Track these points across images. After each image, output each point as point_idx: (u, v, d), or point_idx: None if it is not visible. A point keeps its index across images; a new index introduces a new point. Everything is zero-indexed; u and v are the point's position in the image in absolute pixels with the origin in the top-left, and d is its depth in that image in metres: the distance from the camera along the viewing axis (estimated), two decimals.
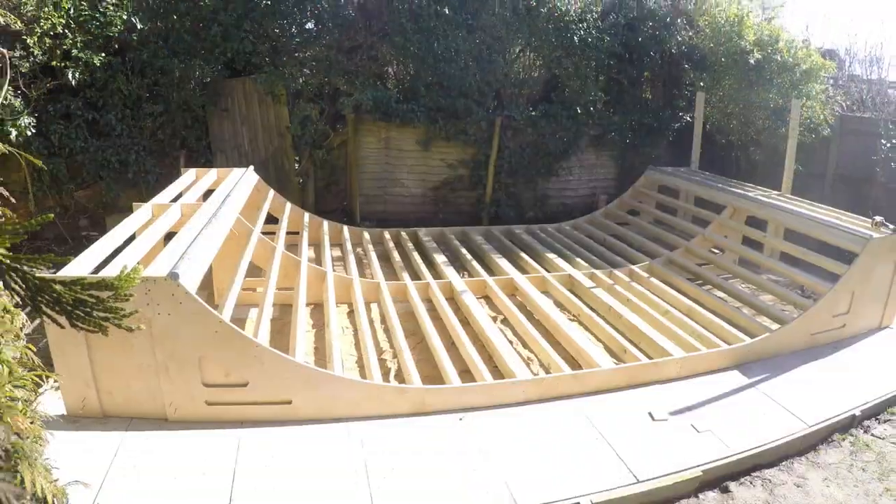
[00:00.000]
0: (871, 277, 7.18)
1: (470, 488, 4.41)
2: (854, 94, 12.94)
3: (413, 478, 4.49)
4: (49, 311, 2.02)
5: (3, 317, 2.40)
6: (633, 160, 12.66)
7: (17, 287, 1.92)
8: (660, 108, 12.74)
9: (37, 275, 1.95)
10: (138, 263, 4.78)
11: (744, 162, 12.62)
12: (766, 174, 11.53)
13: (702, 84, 12.14)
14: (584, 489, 4.42)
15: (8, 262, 1.83)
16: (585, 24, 11.60)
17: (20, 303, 2.11)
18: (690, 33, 12.40)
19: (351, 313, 7.52)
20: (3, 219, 2.43)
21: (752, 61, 11.08)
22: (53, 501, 2.26)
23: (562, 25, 11.45)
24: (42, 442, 2.40)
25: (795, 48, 11.14)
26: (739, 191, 9.59)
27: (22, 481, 2.08)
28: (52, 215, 2.25)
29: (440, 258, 9.27)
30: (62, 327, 2.07)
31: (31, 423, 2.30)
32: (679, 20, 12.38)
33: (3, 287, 1.94)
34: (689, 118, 12.58)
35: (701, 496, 4.72)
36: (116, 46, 9.70)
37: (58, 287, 1.99)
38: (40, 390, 2.68)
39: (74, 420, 4.85)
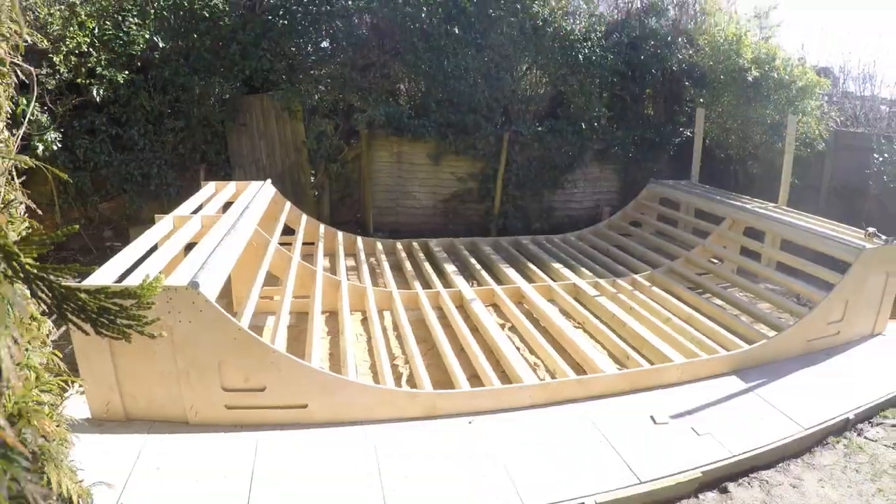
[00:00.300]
0: (864, 286, 7.16)
1: (479, 488, 4.41)
2: (848, 110, 12.93)
3: (424, 480, 4.49)
4: (74, 319, 1.99)
5: (30, 324, 2.41)
6: (636, 174, 12.65)
7: (43, 295, 1.89)
8: (661, 124, 12.72)
9: (63, 284, 1.91)
10: (160, 273, 4.79)
11: (742, 175, 12.60)
12: (764, 187, 11.48)
13: (701, 101, 12.16)
14: (589, 490, 4.42)
15: (35, 271, 1.79)
16: (590, 43, 11.64)
17: (47, 310, 2.07)
18: (691, 52, 12.39)
19: (364, 321, 7.53)
20: (31, 230, 2.46)
21: (749, 79, 11.08)
22: (78, 502, 2.26)
23: (567, 44, 11.51)
24: (68, 444, 2.40)
25: (792, 66, 11.12)
26: (738, 203, 9.58)
27: (48, 482, 2.10)
28: (78, 227, 2.26)
29: (450, 268, 9.27)
30: (87, 334, 2.07)
31: (58, 426, 2.31)
32: (680, 39, 12.40)
33: (30, 295, 1.91)
34: (689, 133, 12.54)
35: (701, 496, 4.72)
36: (139, 64, 9.77)
37: (83, 295, 1.97)
38: (66, 395, 2.67)
39: (99, 423, 4.88)
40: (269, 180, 8.87)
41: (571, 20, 11.70)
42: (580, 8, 12.09)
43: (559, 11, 11.54)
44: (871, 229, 7.38)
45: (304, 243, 8.73)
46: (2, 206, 2.27)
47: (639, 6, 12.72)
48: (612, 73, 11.91)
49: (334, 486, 4.37)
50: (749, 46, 11.30)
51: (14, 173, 2.54)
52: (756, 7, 12.67)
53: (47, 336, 2.55)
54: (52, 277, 1.84)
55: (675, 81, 12.62)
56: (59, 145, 8.91)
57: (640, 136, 12.43)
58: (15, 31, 2.34)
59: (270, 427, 5.01)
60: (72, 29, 8.97)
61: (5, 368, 1.40)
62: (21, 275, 1.78)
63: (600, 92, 12.05)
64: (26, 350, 2.33)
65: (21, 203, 2.49)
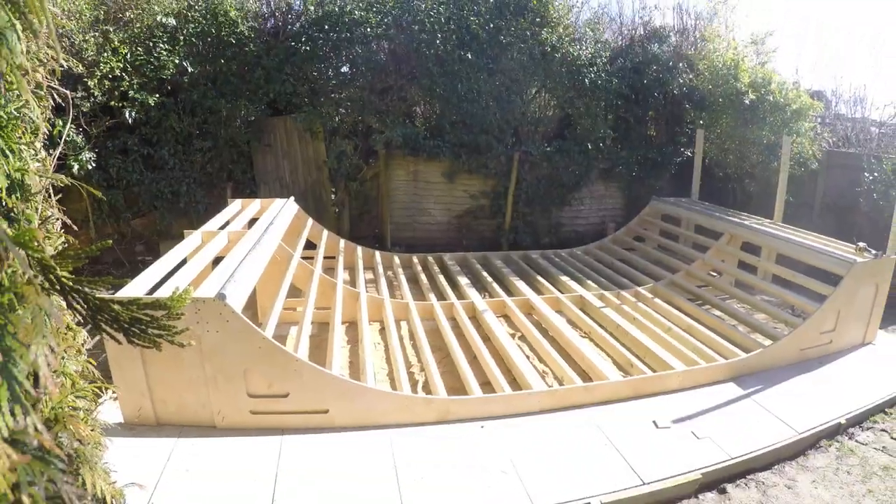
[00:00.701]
0: (855, 298, 7.15)
1: (491, 489, 4.42)
2: (840, 131, 12.85)
3: (440, 481, 4.50)
4: (108, 329, 1.99)
5: (66, 334, 2.40)
6: (639, 191, 12.62)
7: (78, 307, 1.88)
8: (663, 144, 12.68)
9: (97, 295, 1.90)
10: (189, 285, 4.88)
11: (739, 193, 12.55)
12: (760, 204, 11.48)
13: (701, 122, 12.13)
14: (595, 490, 4.44)
15: (71, 283, 1.79)
16: (596, 68, 11.63)
17: (82, 321, 2.05)
18: (691, 76, 12.37)
19: (382, 330, 7.54)
20: (67, 245, 2.46)
21: (746, 102, 11.04)
22: (112, 502, 2.27)
23: (574, 69, 11.49)
24: (101, 447, 2.39)
25: (786, 90, 11.09)
26: (735, 219, 9.55)
27: (83, 483, 2.10)
28: (111, 241, 2.25)
29: (463, 280, 9.26)
30: (120, 343, 2.05)
31: (92, 430, 2.30)
32: (681, 64, 12.37)
33: (66, 306, 1.90)
34: (689, 153, 12.54)
35: (700, 497, 4.73)
36: (169, 88, 9.83)
37: (116, 307, 1.97)
38: (100, 400, 2.65)
39: (131, 428, 4.91)
40: (292, 197, 8.88)
41: (578, 46, 11.67)
42: (586, 35, 12.08)
43: (567, 38, 11.52)
44: (861, 244, 7.39)
45: (325, 257, 8.75)
46: (39, 222, 2.26)
47: (642, 33, 12.72)
48: (616, 97, 11.91)
49: (354, 486, 4.38)
50: (746, 71, 11.28)
51: (51, 191, 2.55)
52: (753, 34, 12.65)
53: (82, 345, 2.55)
54: (86, 289, 1.85)
55: (676, 104, 12.57)
56: (94, 165, 8.98)
57: (643, 156, 12.42)
58: (52, 57, 2.36)
59: (293, 431, 5.02)
60: (105, 54, 9.05)
61: (43, 375, 1.43)
62: (57, 287, 1.80)
63: (605, 114, 12.05)
64: (62, 358, 2.34)
65: (57, 219, 2.50)
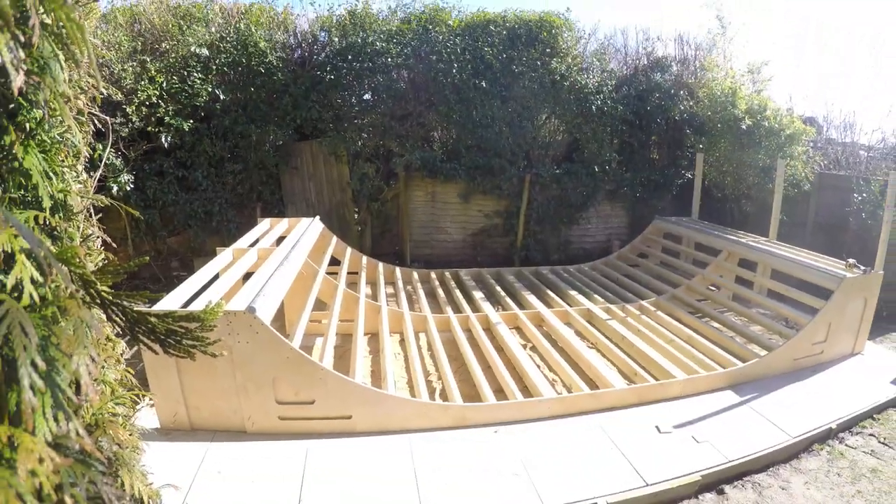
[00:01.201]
0: (845, 311, 7.16)
1: (503, 490, 4.45)
2: (830, 155, 12.74)
3: (456, 482, 4.52)
4: (145, 340, 1.98)
5: (106, 344, 2.41)
6: (643, 211, 12.58)
7: (117, 319, 1.88)
8: (665, 167, 12.59)
9: (134, 309, 1.90)
10: (221, 299, 4.99)
11: (737, 212, 12.51)
12: (756, 223, 11.50)
13: (701, 146, 12.06)
14: (601, 491, 4.48)
15: (110, 297, 1.80)
16: (602, 96, 11.61)
17: (120, 332, 2.05)
18: (691, 103, 12.30)
19: (402, 341, 7.57)
20: (107, 261, 2.43)
21: (743, 127, 11.02)
22: (148, 502, 2.28)
23: (582, 96, 11.49)
24: (139, 451, 2.40)
25: (781, 116, 11.04)
26: (733, 237, 9.56)
27: (122, 484, 2.12)
28: (148, 258, 2.30)
29: (478, 294, 9.27)
30: (156, 353, 2.03)
31: (130, 434, 2.33)
32: (681, 92, 12.28)
33: (106, 319, 1.90)
34: (689, 175, 12.50)
35: (700, 497, 4.76)
36: (202, 114, 9.89)
37: (152, 319, 1.96)
38: (138, 407, 2.66)
39: (167, 432, 4.95)
40: (317, 217, 8.92)
41: (586, 75, 11.65)
42: (594, 64, 12.03)
43: (575, 67, 11.53)
44: (851, 260, 7.39)
45: (348, 273, 8.80)
46: (81, 239, 2.24)
47: (645, 63, 12.64)
48: (621, 122, 11.89)
49: (376, 487, 4.41)
50: (743, 98, 11.25)
51: (92, 211, 2.56)
52: (749, 63, 12.64)
53: (121, 355, 2.57)
54: (125, 303, 1.86)
55: (678, 129, 12.49)
56: (132, 186, 9.06)
57: (647, 178, 12.37)
58: (93, 85, 2.38)
59: (318, 435, 5.06)
60: (143, 83, 9.17)
61: (84, 384, 1.43)
62: (98, 301, 1.81)
63: (611, 139, 12.04)
64: (102, 367, 2.36)
65: (98, 237, 2.50)
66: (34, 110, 1.64)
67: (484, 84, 10.98)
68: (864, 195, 10.37)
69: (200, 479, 4.36)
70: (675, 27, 24.12)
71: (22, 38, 1.23)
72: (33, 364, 1.21)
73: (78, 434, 1.35)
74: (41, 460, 1.16)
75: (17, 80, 1.18)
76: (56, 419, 1.29)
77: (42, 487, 1.16)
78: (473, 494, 4.40)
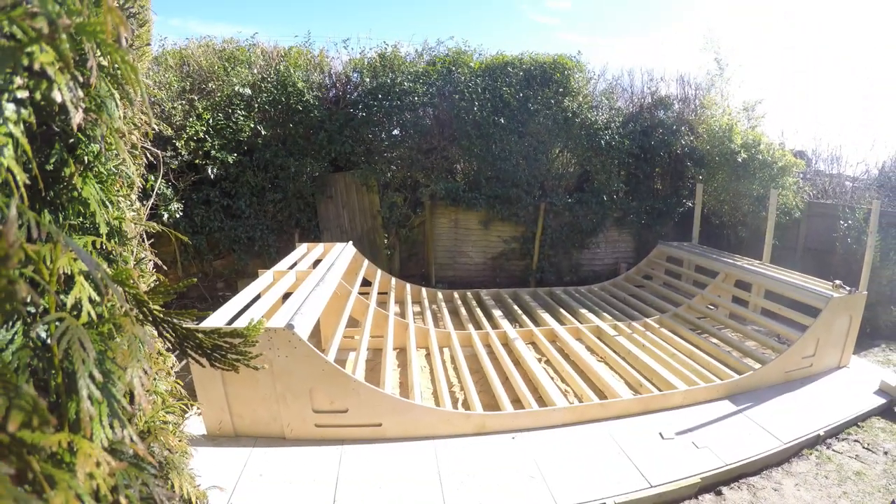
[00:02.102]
0: (832, 328, 7.19)
1: (520, 490, 4.48)
2: (819, 185, 12.65)
3: (477, 483, 4.53)
4: (193, 354, 2.00)
5: (157, 358, 2.43)
6: (647, 236, 12.59)
7: (168, 335, 1.90)
8: (668, 196, 12.65)
9: (183, 326, 1.91)
10: (263, 317, 4.94)
11: (733, 238, 12.44)
12: (751, 247, 11.54)
13: (700, 177, 12.08)
14: (609, 492, 4.50)
15: (161, 315, 1.82)
16: (610, 131, 11.72)
17: (171, 347, 2.07)
18: (692, 138, 12.32)
19: (428, 355, 7.57)
20: (158, 282, 2.38)
21: (739, 160, 11.07)
22: (196, 503, 2.28)
23: (592, 132, 11.57)
24: (187, 455, 2.40)
25: (773, 149, 11.04)
26: (730, 260, 9.59)
27: (172, 486, 2.13)
28: (195, 280, 2.32)
29: (497, 313, 9.26)
30: (203, 366, 2.03)
31: (179, 441, 2.33)
32: (683, 128, 12.29)
33: (157, 335, 1.91)
34: (690, 204, 12.53)
35: (700, 498, 4.79)
36: (245, 148, 9.96)
37: (200, 335, 1.97)
38: (186, 415, 2.64)
39: (213, 439, 4.99)
40: (350, 242, 8.98)
41: (595, 112, 11.74)
42: (602, 103, 12.04)
43: (585, 105, 11.62)
44: (837, 281, 7.45)
45: (379, 293, 8.87)
46: (134, 262, 2.24)
47: (650, 101, 12.62)
48: (628, 156, 11.94)
49: (404, 488, 4.42)
50: (739, 134, 11.29)
51: (144, 236, 2.57)
52: (745, 101, 12.67)
53: (171, 368, 2.58)
54: (174, 321, 1.86)
55: (679, 162, 12.53)
56: (181, 214, 9.14)
57: (651, 206, 12.44)
58: (145, 122, 2.39)
59: (351, 441, 5.09)
60: (191, 119, 9.29)
61: (137, 394, 1.43)
62: (150, 318, 1.82)
63: (618, 171, 12.08)
64: (154, 379, 2.37)
65: (150, 260, 2.50)
66: (92, 144, 1.67)
67: (502, 120, 11.05)
68: (850, 222, 10.32)
69: (244, 481, 4.41)
70: (676, 69, 24.23)
71: (81, 79, 1.24)
72: (91, 376, 1.22)
73: (132, 440, 1.37)
74: (98, 464, 1.17)
75: (77, 117, 1.20)
76: (112, 426, 1.31)
77: (99, 489, 1.17)
78: (493, 494, 4.42)
